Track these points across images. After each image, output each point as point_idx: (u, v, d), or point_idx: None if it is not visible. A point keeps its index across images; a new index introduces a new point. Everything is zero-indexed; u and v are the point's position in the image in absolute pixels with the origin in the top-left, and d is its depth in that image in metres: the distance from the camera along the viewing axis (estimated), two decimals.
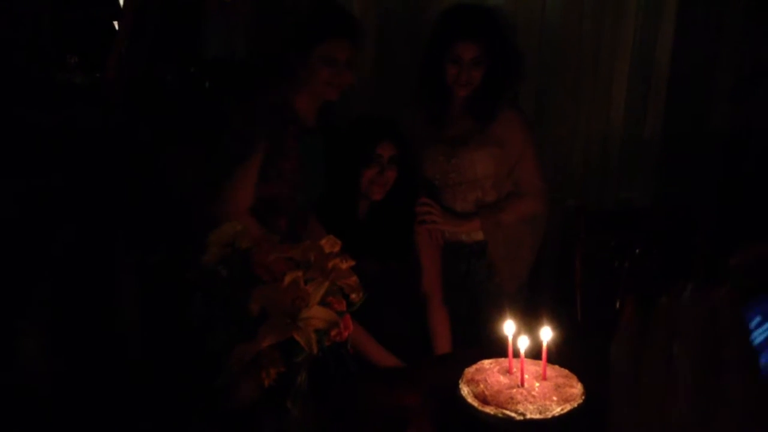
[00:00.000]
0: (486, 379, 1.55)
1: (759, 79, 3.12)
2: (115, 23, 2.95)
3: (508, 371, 1.59)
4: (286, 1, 2.63)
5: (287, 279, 1.19)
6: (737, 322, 1.18)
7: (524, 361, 1.57)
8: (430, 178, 2.31)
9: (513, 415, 1.43)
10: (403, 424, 1.52)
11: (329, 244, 1.30)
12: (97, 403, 2.13)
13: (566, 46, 2.96)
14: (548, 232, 2.45)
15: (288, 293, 1.18)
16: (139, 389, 2.17)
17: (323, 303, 1.21)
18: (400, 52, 2.93)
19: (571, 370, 1.61)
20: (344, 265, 1.29)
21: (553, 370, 1.61)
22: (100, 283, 2.40)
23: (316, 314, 1.19)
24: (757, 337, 1.29)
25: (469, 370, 1.60)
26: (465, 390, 1.52)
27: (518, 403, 1.46)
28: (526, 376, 1.55)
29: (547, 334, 1.59)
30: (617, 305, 2.32)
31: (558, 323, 1.64)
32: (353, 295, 1.28)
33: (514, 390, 1.51)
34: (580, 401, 1.49)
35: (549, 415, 1.43)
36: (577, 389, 1.53)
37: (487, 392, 1.50)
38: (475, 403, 1.47)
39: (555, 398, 1.49)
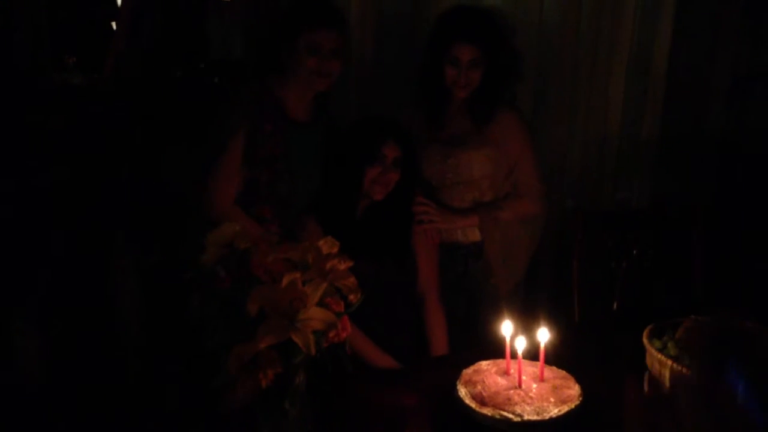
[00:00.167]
0: (484, 381, 1.56)
1: (756, 81, 3.13)
2: (113, 23, 2.94)
3: (505, 372, 1.60)
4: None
5: (285, 280, 1.19)
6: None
7: (522, 363, 1.57)
8: (427, 178, 2.31)
9: (510, 416, 1.43)
10: (401, 425, 1.52)
11: (327, 245, 1.30)
12: (94, 403, 2.13)
13: (564, 47, 2.97)
14: (546, 233, 2.45)
15: (286, 294, 1.18)
16: (136, 390, 2.17)
17: (321, 304, 1.21)
18: (399, 51, 2.93)
19: (569, 371, 1.61)
20: (342, 266, 1.29)
21: (550, 372, 1.61)
22: (98, 284, 2.40)
23: (315, 315, 1.19)
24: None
25: (467, 372, 1.60)
26: (462, 391, 1.52)
27: (516, 404, 1.47)
28: (523, 378, 1.56)
29: (544, 335, 1.59)
30: (615, 307, 2.33)
31: (555, 324, 1.64)
32: (351, 296, 1.28)
33: (512, 391, 1.52)
34: (578, 402, 1.49)
35: (546, 416, 1.44)
36: (574, 390, 1.53)
37: (484, 393, 1.51)
38: (473, 405, 1.48)
39: (552, 399, 1.49)
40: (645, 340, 1.64)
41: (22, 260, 2.22)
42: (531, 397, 1.49)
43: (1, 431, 2.02)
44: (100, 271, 2.41)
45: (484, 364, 1.64)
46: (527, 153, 2.32)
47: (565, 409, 1.46)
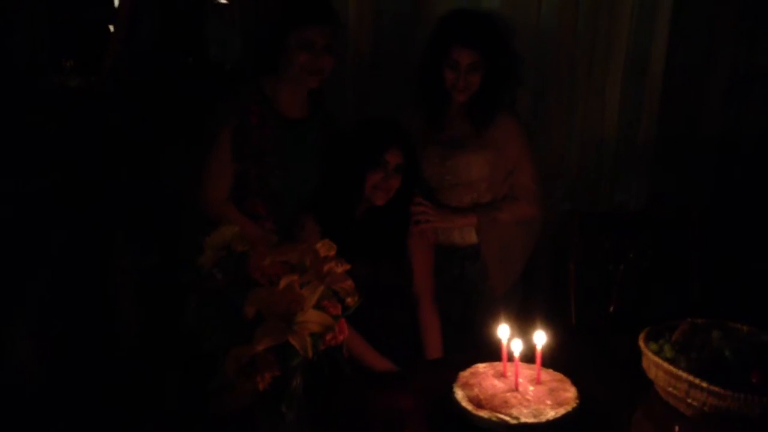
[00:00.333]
0: (480, 383, 1.56)
1: (752, 82, 3.14)
2: (111, 26, 2.94)
3: (502, 375, 1.60)
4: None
5: (283, 283, 1.19)
6: None
7: (518, 365, 1.57)
8: (426, 179, 2.31)
9: (507, 419, 1.44)
10: (398, 427, 1.52)
11: (325, 247, 1.31)
12: (91, 404, 2.13)
13: (561, 49, 2.97)
14: (543, 235, 2.45)
15: (283, 297, 1.18)
16: (134, 392, 2.17)
17: (318, 307, 1.22)
18: (397, 51, 2.93)
19: (566, 374, 1.62)
20: (339, 269, 1.29)
21: (547, 374, 1.61)
22: (96, 285, 2.40)
23: (312, 318, 1.19)
24: None
25: (464, 374, 1.61)
26: (459, 394, 1.53)
27: (512, 407, 1.47)
28: (520, 380, 1.56)
29: (541, 337, 1.59)
30: (611, 310, 2.33)
31: (552, 327, 1.64)
32: (348, 299, 1.28)
33: (509, 394, 1.52)
34: (574, 405, 1.49)
35: (543, 419, 1.44)
36: (571, 393, 1.53)
37: (481, 396, 1.51)
38: (470, 407, 1.48)
39: (549, 402, 1.49)
40: (641, 343, 1.65)
41: (20, 261, 2.22)
42: (528, 400, 1.50)
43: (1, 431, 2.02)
44: (98, 272, 2.41)
45: (480, 367, 1.64)
46: (525, 156, 2.33)
47: (561, 411, 1.46)
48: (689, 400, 1.50)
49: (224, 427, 1.32)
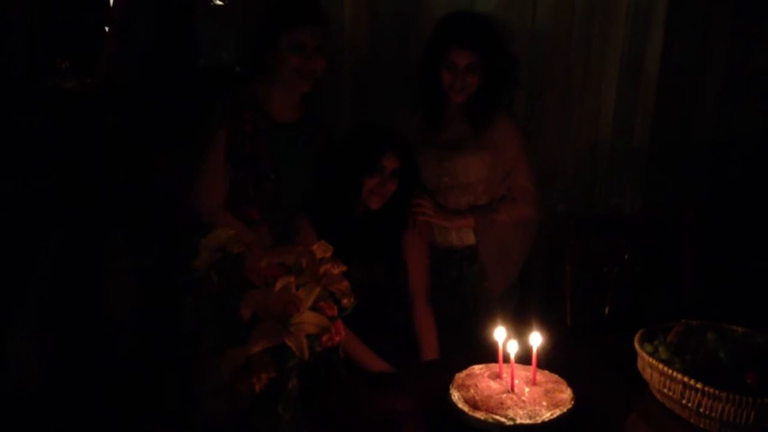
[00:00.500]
0: (476, 385, 1.56)
1: (747, 84, 3.16)
2: (107, 28, 2.94)
3: (498, 376, 1.60)
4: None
5: (279, 284, 1.19)
6: None
7: (514, 367, 1.57)
8: (423, 181, 2.32)
9: (503, 420, 1.44)
10: (395, 429, 1.52)
11: (321, 249, 1.31)
12: (91, 404, 2.13)
13: (556, 53, 2.98)
14: (538, 237, 2.46)
15: (279, 298, 1.18)
16: (133, 392, 2.17)
17: (315, 308, 1.22)
18: (393, 53, 2.94)
19: (561, 375, 1.62)
20: (336, 271, 1.29)
21: (543, 375, 1.62)
22: (92, 287, 2.40)
23: (308, 319, 1.19)
24: None
25: (460, 376, 1.61)
26: (455, 395, 1.53)
27: (508, 408, 1.47)
28: (516, 382, 1.56)
29: (536, 339, 1.59)
30: (606, 312, 2.33)
31: (548, 328, 1.65)
32: (344, 300, 1.28)
33: (505, 395, 1.52)
34: (570, 406, 1.49)
35: (539, 420, 1.44)
36: (566, 394, 1.53)
37: (477, 397, 1.51)
38: (466, 408, 1.48)
39: (545, 403, 1.49)
40: (636, 345, 1.66)
41: (16, 262, 2.22)
42: (523, 401, 1.50)
43: None
44: (96, 273, 2.41)
45: (476, 368, 1.65)
46: (523, 158, 2.33)
47: (557, 412, 1.47)
48: (684, 402, 1.51)
49: (221, 429, 1.32)
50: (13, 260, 2.22)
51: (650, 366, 1.59)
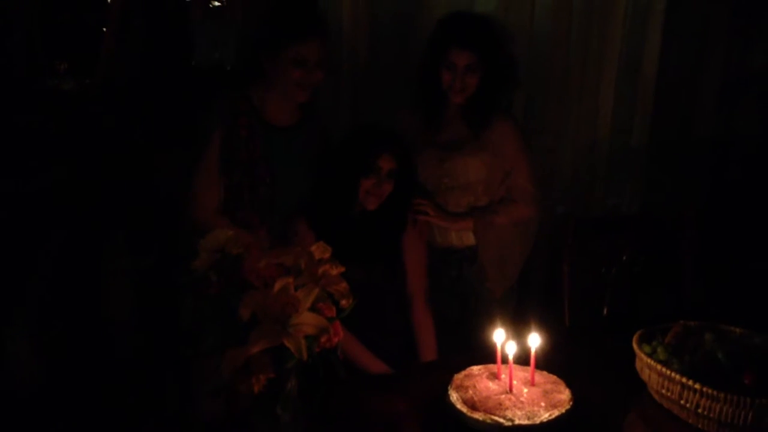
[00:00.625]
0: (475, 385, 1.56)
1: (745, 84, 3.16)
2: (105, 29, 2.94)
3: (496, 377, 1.60)
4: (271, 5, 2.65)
5: (277, 285, 1.19)
6: None
7: (512, 367, 1.58)
8: (423, 182, 2.32)
9: (502, 420, 1.44)
10: (393, 429, 1.52)
11: (319, 250, 1.31)
12: (91, 404, 2.13)
13: (554, 54, 2.98)
14: (537, 239, 2.46)
15: (278, 299, 1.18)
16: (133, 392, 2.17)
17: (313, 309, 1.22)
18: (392, 55, 2.94)
19: (560, 376, 1.62)
20: (334, 272, 1.30)
21: (541, 376, 1.62)
22: (92, 287, 2.40)
23: (306, 320, 1.19)
24: None
25: (458, 376, 1.61)
26: (454, 396, 1.53)
27: (507, 409, 1.47)
28: (514, 382, 1.56)
29: (535, 340, 1.60)
30: (605, 312, 2.34)
31: (546, 329, 1.65)
32: (343, 301, 1.28)
33: (503, 396, 1.52)
34: (568, 407, 1.50)
35: (537, 420, 1.44)
36: (565, 395, 1.54)
37: (475, 398, 1.51)
38: (464, 409, 1.48)
39: (543, 404, 1.50)
40: (635, 345, 1.66)
41: (19, 262, 2.22)
42: (522, 402, 1.50)
43: None
44: (96, 273, 2.41)
45: (475, 369, 1.65)
46: (523, 159, 2.34)
47: (555, 413, 1.47)
48: (682, 402, 1.51)
49: (221, 429, 1.33)
50: (13, 260, 2.22)
51: (648, 366, 1.59)
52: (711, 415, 1.46)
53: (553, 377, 1.62)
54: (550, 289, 2.57)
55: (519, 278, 2.46)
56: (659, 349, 1.61)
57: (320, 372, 1.25)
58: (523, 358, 1.61)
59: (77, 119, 2.60)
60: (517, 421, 1.44)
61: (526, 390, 1.55)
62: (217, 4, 3.05)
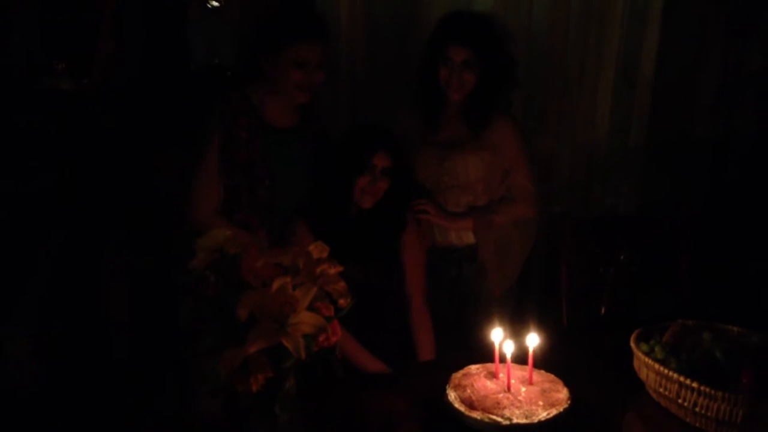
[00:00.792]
0: (473, 384, 1.56)
1: (743, 85, 3.16)
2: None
3: (494, 376, 1.61)
4: (269, 5, 2.65)
5: (275, 284, 1.19)
6: None
7: (510, 366, 1.58)
8: (422, 181, 2.32)
9: (499, 419, 1.44)
10: (391, 429, 1.53)
11: (317, 249, 1.31)
12: (91, 404, 2.14)
13: (552, 54, 2.99)
14: (535, 239, 2.46)
15: (276, 299, 1.19)
16: (133, 392, 2.17)
17: (311, 308, 1.22)
18: (390, 55, 2.94)
19: (557, 375, 1.63)
20: (332, 271, 1.30)
21: (539, 375, 1.62)
22: (92, 287, 2.40)
23: (305, 319, 1.19)
24: None
25: (456, 375, 1.61)
26: (452, 395, 1.53)
27: (505, 408, 1.48)
28: (512, 381, 1.57)
29: (533, 339, 1.60)
30: (603, 312, 2.34)
31: (544, 328, 1.65)
32: (341, 301, 1.28)
33: (501, 395, 1.53)
34: (566, 406, 1.50)
35: (535, 419, 1.45)
36: (562, 394, 1.54)
37: (473, 397, 1.51)
38: (462, 408, 1.48)
39: (541, 403, 1.50)
40: (632, 344, 1.66)
41: (19, 262, 2.23)
42: (520, 401, 1.50)
43: None
44: (96, 273, 2.41)
45: (473, 368, 1.65)
46: (522, 158, 2.34)
47: (553, 412, 1.47)
48: (680, 401, 1.51)
49: (220, 428, 1.33)
50: (13, 260, 2.23)
51: (646, 366, 1.60)
52: (709, 413, 1.47)
53: (551, 376, 1.62)
54: (548, 288, 2.57)
55: (519, 278, 2.46)
56: (657, 348, 1.62)
57: (318, 371, 1.25)
58: (521, 358, 1.61)
59: (77, 119, 2.60)
60: (515, 420, 1.44)
61: (524, 389, 1.55)
62: (215, 4, 3.05)
